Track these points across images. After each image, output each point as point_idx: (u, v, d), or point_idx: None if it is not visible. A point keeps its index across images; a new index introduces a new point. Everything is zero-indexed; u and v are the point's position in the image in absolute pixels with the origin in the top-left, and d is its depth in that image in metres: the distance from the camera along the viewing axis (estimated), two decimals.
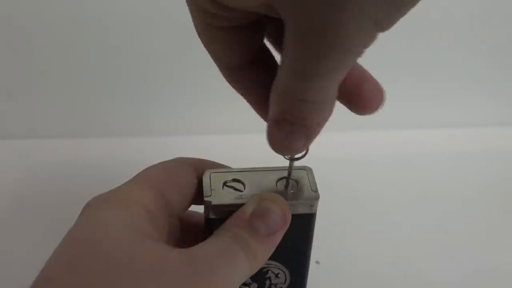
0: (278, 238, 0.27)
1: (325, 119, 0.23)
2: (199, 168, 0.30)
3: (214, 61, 0.26)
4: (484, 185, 0.53)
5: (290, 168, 0.29)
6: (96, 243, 0.24)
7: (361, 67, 0.26)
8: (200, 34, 0.24)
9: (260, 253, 0.26)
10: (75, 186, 0.50)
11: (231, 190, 0.28)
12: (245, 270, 0.25)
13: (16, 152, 0.55)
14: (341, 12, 0.18)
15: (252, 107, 0.27)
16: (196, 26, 0.24)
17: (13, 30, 0.51)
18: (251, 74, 0.26)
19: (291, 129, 0.23)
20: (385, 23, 0.18)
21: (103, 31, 0.52)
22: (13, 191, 0.50)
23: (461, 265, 0.44)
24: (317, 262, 0.42)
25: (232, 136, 0.55)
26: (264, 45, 0.27)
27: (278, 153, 0.25)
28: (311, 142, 0.24)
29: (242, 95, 0.27)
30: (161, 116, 0.58)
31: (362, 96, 0.26)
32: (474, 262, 0.44)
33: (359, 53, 0.19)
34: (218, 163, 0.31)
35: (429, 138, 0.58)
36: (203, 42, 0.25)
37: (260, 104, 0.26)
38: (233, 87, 0.27)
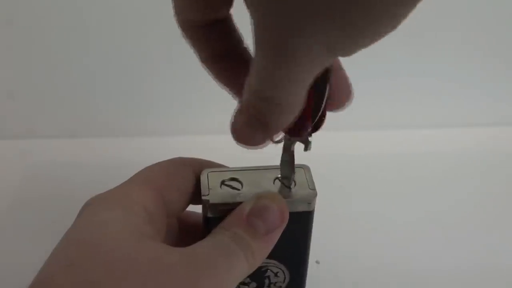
0: (276, 236, 0.27)
1: (286, 121, 0.23)
2: (197, 168, 0.30)
3: (176, 15, 0.26)
4: (484, 185, 0.52)
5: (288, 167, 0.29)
6: (95, 243, 0.24)
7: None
8: None
9: (258, 251, 0.26)
10: (75, 186, 0.50)
11: (229, 189, 0.29)
12: (244, 268, 0.25)
13: (16, 152, 0.55)
14: (297, 31, 0.19)
15: (204, 64, 0.28)
16: None
17: (13, 30, 0.52)
18: (211, 34, 0.26)
19: (250, 121, 0.23)
20: (339, 50, 0.20)
21: (103, 31, 0.52)
22: (13, 191, 0.50)
23: (461, 265, 0.43)
24: (317, 262, 0.42)
25: (231, 136, 0.55)
26: None
27: (237, 141, 0.25)
28: (268, 139, 0.24)
29: (195, 50, 0.27)
30: (161, 116, 0.58)
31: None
32: (475, 262, 0.44)
33: (313, 70, 0.21)
34: (216, 162, 0.32)
35: (429, 138, 0.58)
36: None
37: (214, 63, 0.27)
38: (188, 42, 0.27)
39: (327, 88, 0.24)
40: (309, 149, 0.27)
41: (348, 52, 0.20)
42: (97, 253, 0.23)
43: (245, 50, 0.27)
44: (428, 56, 0.56)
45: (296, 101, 0.22)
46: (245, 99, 0.23)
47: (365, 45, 0.19)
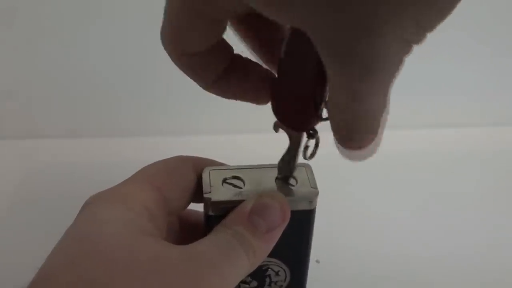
0: (277, 234, 0.27)
1: (385, 120, 0.23)
2: (198, 166, 0.30)
3: (172, 48, 0.25)
4: (484, 185, 0.52)
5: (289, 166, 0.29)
6: (96, 241, 0.24)
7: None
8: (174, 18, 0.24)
9: (260, 249, 0.26)
10: (75, 186, 0.49)
11: (231, 187, 0.29)
12: (245, 266, 0.25)
13: (16, 152, 0.55)
14: (370, 37, 0.18)
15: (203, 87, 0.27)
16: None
17: (13, 30, 0.52)
18: (209, 57, 0.26)
19: (356, 145, 0.24)
20: (415, 41, 0.19)
21: (103, 31, 0.52)
22: (13, 191, 0.50)
23: (461, 265, 0.43)
24: (317, 261, 0.42)
25: (232, 136, 0.55)
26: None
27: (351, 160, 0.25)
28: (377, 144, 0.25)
29: (191, 77, 0.27)
30: (161, 116, 0.58)
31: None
32: (475, 261, 0.44)
33: (394, 69, 0.20)
34: (217, 161, 0.32)
35: (429, 138, 0.58)
36: (173, 27, 0.24)
37: (214, 84, 0.27)
38: (183, 70, 0.27)
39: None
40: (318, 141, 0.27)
41: (418, 41, 0.19)
42: (97, 251, 0.23)
43: (241, 57, 0.27)
44: (428, 56, 0.56)
45: (385, 101, 0.22)
46: (342, 124, 0.23)
47: (432, 30, 0.19)
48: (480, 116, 0.60)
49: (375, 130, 0.23)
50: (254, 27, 0.26)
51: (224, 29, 0.24)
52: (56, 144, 0.55)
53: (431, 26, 0.19)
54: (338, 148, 0.24)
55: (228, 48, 0.26)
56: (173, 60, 0.25)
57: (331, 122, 0.23)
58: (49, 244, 0.25)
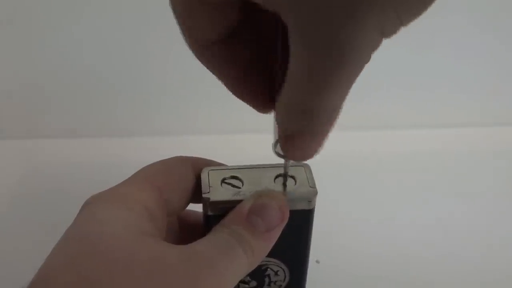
0: (276, 234, 0.27)
1: (334, 125, 0.22)
2: (197, 167, 0.30)
3: (186, 37, 0.24)
4: (484, 185, 0.52)
5: (287, 165, 0.29)
6: (95, 241, 0.24)
7: None
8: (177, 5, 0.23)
9: (258, 249, 0.26)
10: (75, 186, 0.49)
11: (229, 187, 0.29)
12: (244, 266, 0.25)
13: (16, 152, 0.55)
14: (352, 24, 0.18)
15: (225, 84, 0.26)
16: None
17: (13, 30, 0.52)
18: (227, 49, 0.24)
19: (303, 142, 0.23)
20: (390, 32, 0.19)
21: (103, 31, 0.52)
22: (13, 191, 0.50)
23: (461, 265, 0.43)
24: (317, 262, 0.42)
25: (232, 136, 0.55)
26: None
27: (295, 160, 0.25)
28: (322, 147, 0.24)
29: (213, 71, 0.25)
30: (161, 116, 0.58)
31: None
32: (475, 261, 0.44)
33: (365, 61, 0.19)
34: (216, 161, 0.32)
35: (429, 138, 0.58)
36: (179, 15, 0.23)
37: (235, 81, 0.25)
38: (204, 64, 0.25)
39: None
40: None
41: (392, 33, 0.19)
42: (97, 251, 0.23)
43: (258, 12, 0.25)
44: (428, 56, 0.56)
45: (343, 101, 0.21)
46: (288, 120, 0.22)
47: (407, 24, 0.18)
48: (480, 116, 0.60)
49: (327, 131, 0.22)
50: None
51: (229, 18, 0.23)
52: (56, 144, 0.55)
53: (408, 19, 0.18)
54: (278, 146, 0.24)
55: (248, 46, 0.25)
56: (199, 56, 0.24)
57: (280, 116, 0.23)
58: (49, 244, 0.25)
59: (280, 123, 0.23)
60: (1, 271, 0.41)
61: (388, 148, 0.56)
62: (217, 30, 0.23)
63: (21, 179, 0.52)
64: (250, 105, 0.26)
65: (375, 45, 0.19)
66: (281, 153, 0.25)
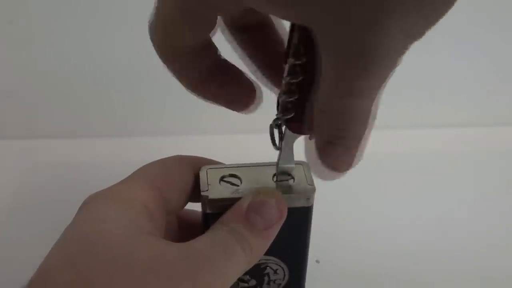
0: (274, 231, 0.27)
1: (370, 128, 0.23)
2: (196, 165, 0.30)
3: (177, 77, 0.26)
4: (484, 185, 0.52)
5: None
6: (94, 240, 0.24)
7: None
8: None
9: (257, 246, 0.26)
10: (75, 186, 0.49)
11: (228, 185, 0.29)
12: (242, 264, 0.25)
13: (16, 152, 0.55)
14: (376, 31, 0.18)
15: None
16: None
17: (13, 30, 0.52)
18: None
19: (343, 149, 0.23)
20: (417, 34, 0.19)
21: (103, 31, 0.52)
22: (13, 191, 0.50)
23: (461, 265, 0.43)
24: (317, 261, 0.42)
25: (232, 136, 0.55)
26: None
27: (333, 170, 0.25)
28: (360, 155, 0.24)
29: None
30: (161, 116, 0.58)
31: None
32: (475, 262, 0.44)
33: (397, 64, 0.20)
34: (214, 160, 0.32)
35: (429, 138, 0.58)
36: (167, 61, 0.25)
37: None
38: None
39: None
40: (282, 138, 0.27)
41: (420, 35, 0.19)
42: (95, 250, 0.23)
43: (226, 61, 0.27)
44: (428, 56, 0.56)
45: (376, 102, 0.22)
46: (327, 126, 0.23)
47: (433, 24, 0.19)
48: (480, 116, 0.60)
49: (362, 133, 0.23)
50: (252, 35, 0.26)
51: (214, 28, 0.24)
52: (56, 144, 0.55)
53: (433, 21, 0.19)
54: (315, 165, 0.24)
55: (214, 49, 0.26)
56: (159, 52, 0.26)
57: (316, 123, 0.23)
58: (49, 244, 0.25)
59: (317, 130, 0.23)
60: (1, 271, 0.41)
61: (388, 148, 0.56)
62: (196, 39, 0.24)
63: (21, 179, 0.52)
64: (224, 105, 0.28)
65: (402, 48, 0.19)
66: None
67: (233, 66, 0.27)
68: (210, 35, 0.25)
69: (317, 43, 0.20)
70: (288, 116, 0.26)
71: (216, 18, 0.23)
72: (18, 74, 0.54)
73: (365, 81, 0.20)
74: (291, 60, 0.24)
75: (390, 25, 0.18)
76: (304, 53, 0.23)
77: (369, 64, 0.19)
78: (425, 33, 0.19)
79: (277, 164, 0.29)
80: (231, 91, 0.27)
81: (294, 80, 0.24)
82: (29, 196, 0.50)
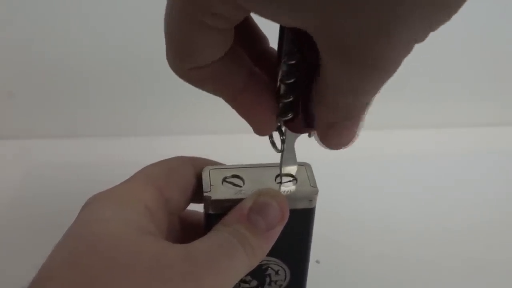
0: (276, 233, 0.27)
1: (366, 113, 0.24)
2: (197, 167, 0.30)
3: (177, 62, 0.25)
4: (484, 185, 0.52)
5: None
6: (97, 240, 0.24)
7: None
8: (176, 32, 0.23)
9: (259, 248, 0.26)
10: (75, 186, 0.49)
11: (230, 185, 0.29)
12: (244, 265, 0.26)
13: (16, 152, 0.55)
14: (386, 41, 0.18)
15: (227, 100, 0.27)
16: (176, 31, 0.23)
17: (13, 30, 0.52)
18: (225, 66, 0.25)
19: (341, 129, 0.24)
20: (422, 38, 0.19)
21: (103, 31, 0.52)
22: (13, 191, 0.50)
23: (461, 265, 0.43)
24: (317, 262, 0.42)
25: (232, 136, 0.55)
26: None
27: (333, 149, 0.25)
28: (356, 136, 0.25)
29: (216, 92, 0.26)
30: (161, 116, 0.58)
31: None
32: (475, 262, 0.44)
33: (400, 65, 0.20)
34: (216, 161, 0.32)
35: (428, 138, 0.58)
36: (177, 42, 0.23)
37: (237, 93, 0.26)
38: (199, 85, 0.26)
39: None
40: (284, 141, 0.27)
41: (423, 39, 0.19)
42: (98, 250, 0.23)
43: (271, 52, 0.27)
44: (428, 56, 0.56)
45: (375, 95, 0.22)
46: (328, 113, 0.23)
47: (437, 28, 0.19)
48: (480, 116, 0.60)
49: (360, 119, 0.24)
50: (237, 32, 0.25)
51: (230, 39, 0.23)
52: (56, 144, 0.55)
53: (438, 25, 0.19)
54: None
55: (244, 60, 0.26)
56: (183, 78, 0.25)
57: (319, 111, 0.24)
58: (49, 244, 0.25)
59: (320, 116, 0.24)
60: (1, 271, 0.41)
61: (388, 148, 0.56)
62: (215, 54, 0.23)
63: (21, 179, 0.52)
64: (254, 120, 0.26)
65: (408, 52, 0.19)
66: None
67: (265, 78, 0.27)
68: (228, 45, 0.23)
69: (319, 47, 0.20)
70: (288, 118, 0.26)
71: (228, 28, 0.22)
72: (18, 74, 0.54)
73: (370, 84, 0.20)
74: (285, 61, 0.23)
75: (400, 35, 0.18)
76: (297, 52, 0.23)
77: (375, 70, 0.19)
78: (428, 36, 0.19)
79: (280, 166, 0.29)
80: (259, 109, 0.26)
81: (291, 81, 0.24)
82: (29, 196, 0.50)
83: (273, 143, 0.28)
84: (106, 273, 0.22)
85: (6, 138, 0.56)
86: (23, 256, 0.41)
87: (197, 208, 0.31)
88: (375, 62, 0.19)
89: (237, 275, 0.25)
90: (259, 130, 0.27)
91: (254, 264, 0.26)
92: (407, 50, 0.19)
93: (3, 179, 0.51)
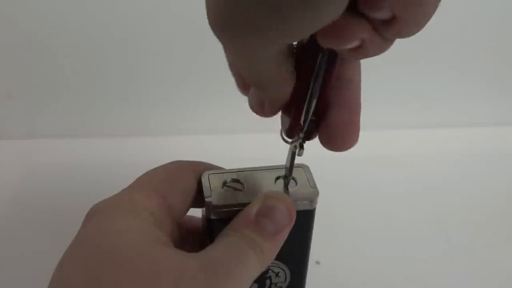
0: (284, 235, 0.27)
1: (274, 97, 0.24)
2: (197, 171, 0.30)
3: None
4: (484, 185, 0.52)
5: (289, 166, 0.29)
6: (116, 252, 0.23)
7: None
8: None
9: (269, 251, 0.26)
10: (75, 186, 0.50)
11: (231, 190, 0.28)
12: (256, 269, 0.26)
13: (16, 152, 0.55)
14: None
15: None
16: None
17: (13, 30, 0.51)
18: None
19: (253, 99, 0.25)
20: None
21: (103, 31, 0.52)
22: (13, 191, 0.50)
23: (461, 266, 0.44)
24: (317, 263, 0.42)
25: (232, 136, 0.55)
26: None
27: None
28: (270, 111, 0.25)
29: None
30: (161, 116, 0.58)
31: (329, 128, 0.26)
32: (475, 262, 0.44)
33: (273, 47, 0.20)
34: (214, 165, 0.31)
35: (428, 138, 0.58)
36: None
37: None
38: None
39: (318, 92, 0.24)
40: (300, 155, 0.27)
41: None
42: (116, 263, 0.23)
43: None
44: (428, 56, 0.56)
45: (271, 76, 0.22)
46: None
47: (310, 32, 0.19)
48: (480, 116, 0.60)
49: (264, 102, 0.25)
50: None
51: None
52: (56, 144, 0.55)
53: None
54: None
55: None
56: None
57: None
58: (49, 244, 0.25)
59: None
60: (1, 270, 0.41)
61: (388, 148, 0.56)
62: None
63: (21, 179, 0.52)
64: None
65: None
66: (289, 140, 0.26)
67: None
68: None
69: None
70: (311, 138, 0.26)
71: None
72: (18, 74, 0.54)
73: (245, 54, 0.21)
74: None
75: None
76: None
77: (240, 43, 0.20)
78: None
79: (290, 169, 0.29)
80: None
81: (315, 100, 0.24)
82: (29, 196, 0.50)
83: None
84: (130, 285, 0.22)
85: (6, 138, 0.56)
86: (23, 255, 0.41)
87: (195, 213, 0.31)
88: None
89: (250, 280, 0.25)
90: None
91: (264, 267, 0.26)
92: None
93: (3, 179, 0.51)
